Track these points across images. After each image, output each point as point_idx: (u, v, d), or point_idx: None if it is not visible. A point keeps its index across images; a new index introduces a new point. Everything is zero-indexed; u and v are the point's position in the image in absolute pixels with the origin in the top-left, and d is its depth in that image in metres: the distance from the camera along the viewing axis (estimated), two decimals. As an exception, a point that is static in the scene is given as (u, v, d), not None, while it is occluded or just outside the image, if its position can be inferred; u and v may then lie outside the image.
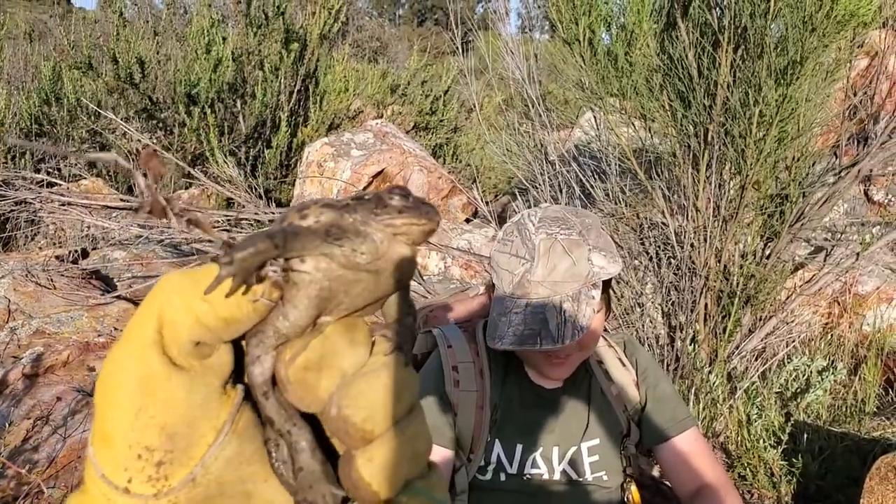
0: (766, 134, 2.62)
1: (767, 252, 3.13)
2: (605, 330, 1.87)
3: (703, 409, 3.03)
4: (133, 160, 0.37)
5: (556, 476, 1.58)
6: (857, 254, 3.02)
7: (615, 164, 3.17)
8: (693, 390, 3.04)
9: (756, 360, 3.23)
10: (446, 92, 7.35)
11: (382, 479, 0.43)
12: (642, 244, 3.31)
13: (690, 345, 3.05)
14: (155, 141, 6.32)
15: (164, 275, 0.43)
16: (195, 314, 0.40)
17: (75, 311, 3.33)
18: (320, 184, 5.19)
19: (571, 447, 1.58)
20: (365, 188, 5.08)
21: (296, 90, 7.02)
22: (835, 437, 2.94)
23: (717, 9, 2.74)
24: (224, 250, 0.39)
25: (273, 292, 0.41)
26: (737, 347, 3.21)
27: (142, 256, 4.11)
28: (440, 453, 1.53)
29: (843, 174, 3.08)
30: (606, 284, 1.49)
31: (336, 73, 6.78)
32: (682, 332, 3.16)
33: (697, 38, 2.75)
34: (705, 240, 3.08)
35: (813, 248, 3.79)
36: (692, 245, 3.02)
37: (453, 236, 4.92)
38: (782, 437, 2.91)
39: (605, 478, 1.59)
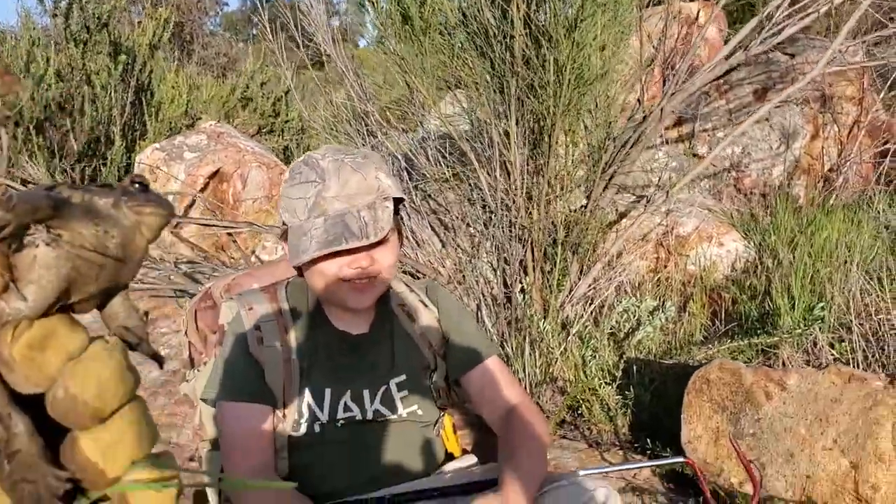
0: (561, 80, 2.71)
1: (586, 201, 3.24)
2: (415, 277, 1.90)
3: (540, 357, 3.09)
4: None
5: (370, 416, 1.58)
6: (667, 192, 3.16)
7: (434, 131, 3.21)
8: (529, 342, 3.10)
9: (588, 305, 3.33)
10: (287, 92, 7.26)
11: (109, 458, 0.44)
12: (472, 205, 3.36)
13: (520, 295, 3.11)
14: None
15: None
16: None
17: None
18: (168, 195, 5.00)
19: (381, 386, 1.60)
20: (202, 190, 4.94)
21: (128, 103, 6.77)
22: (666, 368, 3.07)
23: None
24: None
25: (4, 273, 0.41)
26: (568, 295, 3.30)
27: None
28: (261, 410, 1.55)
29: (647, 117, 3.23)
30: (396, 212, 1.55)
31: (168, 80, 6.57)
32: (514, 287, 3.23)
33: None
34: (529, 197, 3.16)
35: (636, 198, 3.95)
36: (513, 200, 3.08)
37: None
38: (616, 375, 3.01)
39: (419, 412, 1.62)
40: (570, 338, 3.10)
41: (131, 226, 0.44)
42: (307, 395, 1.57)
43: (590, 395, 2.98)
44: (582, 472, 1.86)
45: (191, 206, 4.98)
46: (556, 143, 2.92)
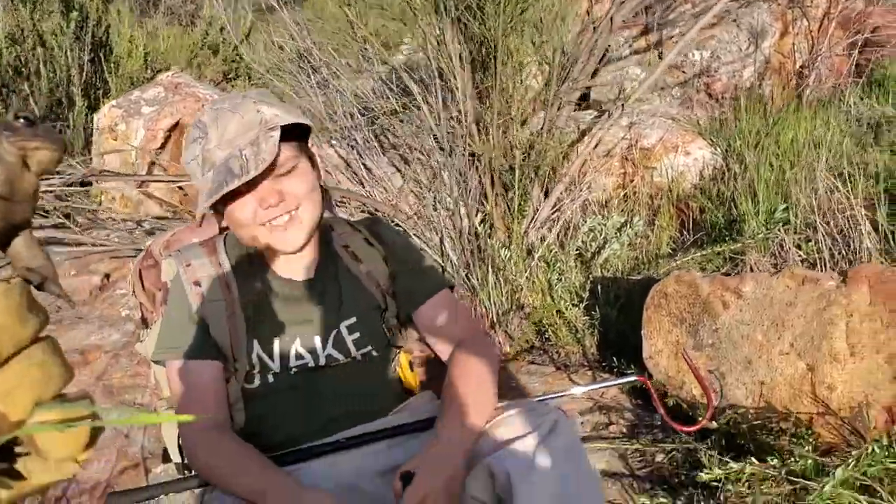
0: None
1: (541, 123, 3.15)
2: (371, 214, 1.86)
3: (506, 285, 3.06)
4: None
5: (322, 362, 1.56)
6: (622, 105, 3.08)
7: (377, 61, 3.11)
8: (493, 271, 3.06)
9: (553, 228, 3.28)
10: (248, 35, 7.08)
11: (9, 401, 0.44)
12: (429, 136, 3.28)
13: (481, 225, 3.06)
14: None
15: None
16: None
17: None
18: (118, 152, 4.92)
19: (332, 331, 1.57)
20: (162, 146, 4.83)
21: (86, 62, 6.60)
22: (632, 283, 3.03)
23: None
24: None
25: None
26: (532, 220, 3.25)
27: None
28: (210, 366, 1.53)
29: (597, 28, 3.12)
30: (304, 141, 1.52)
31: (123, 34, 6.39)
32: (475, 216, 3.17)
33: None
34: (481, 122, 3.07)
35: (598, 113, 3.86)
36: (464, 127, 3.00)
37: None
38: (583, 296, 2.98)
39: (374, 353, 1.60)
40: (534, 263, 3.05)
41: (15, 161, 0.42)
42: (256, 347, 1.55)
43: (557, 318, 2.96)
44: (534, 399, 1.85)
45: (153, 163, 4.89)
46: (502, 64, 2.82)
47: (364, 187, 3.36)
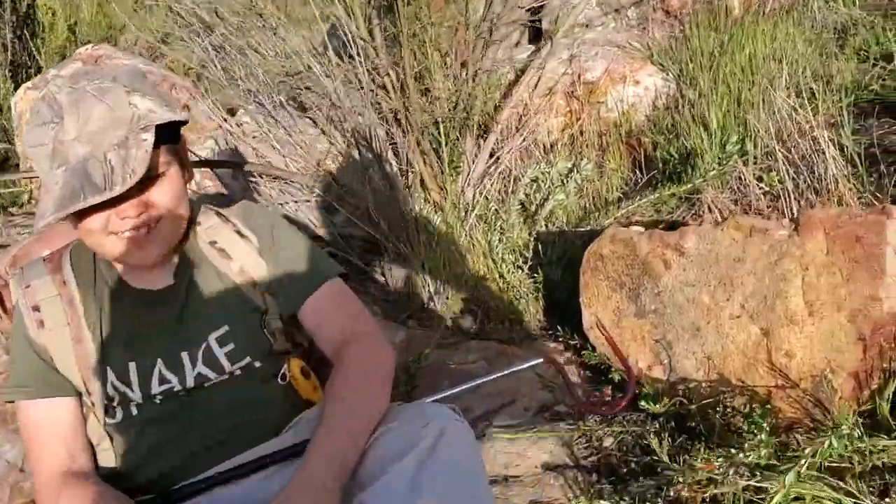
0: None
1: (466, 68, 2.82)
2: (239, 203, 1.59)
3: (441, 249, 2.77)
4: None
5: (191, 383, 1.33)
6: (550, 38, 2.75)
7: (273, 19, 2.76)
8: (427, 237, 2.77)
9: (493, 182, 2.97)
10: (179, -4, 6.65)
11: None
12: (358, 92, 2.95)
13: (407, 189, 2.76)
14: None
15: None
16: None
17: None
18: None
19: (200, 346, 1.34)
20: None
21: (9, 40, 6.21)
22: (579, 236, 2.75)
23: None
24: None
25: None
26: (468, 177, 2.94)
27: None
28: (59, 404, 1.34)
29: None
30: (175, 141, 1.29)
31: (41, 6, 6.01)
32: (403, 178, 2.87)
33: None
34: (397, 75, 2.75)
35: (535, 49, 3.51)
36: (374, 81, 2.68)
37: (199, 145, 4.45)
38: (527, 255, 2.70)
39: (256, 364, 1.37)
40: (471, 223, 2.76)
41: None
42: (110, 376, 1.32)
43: (499, 282, 2.68)
44: (429, 399, 1.62)
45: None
46: (406, 5, 2.49)
47: (282, 156, 3.05)
